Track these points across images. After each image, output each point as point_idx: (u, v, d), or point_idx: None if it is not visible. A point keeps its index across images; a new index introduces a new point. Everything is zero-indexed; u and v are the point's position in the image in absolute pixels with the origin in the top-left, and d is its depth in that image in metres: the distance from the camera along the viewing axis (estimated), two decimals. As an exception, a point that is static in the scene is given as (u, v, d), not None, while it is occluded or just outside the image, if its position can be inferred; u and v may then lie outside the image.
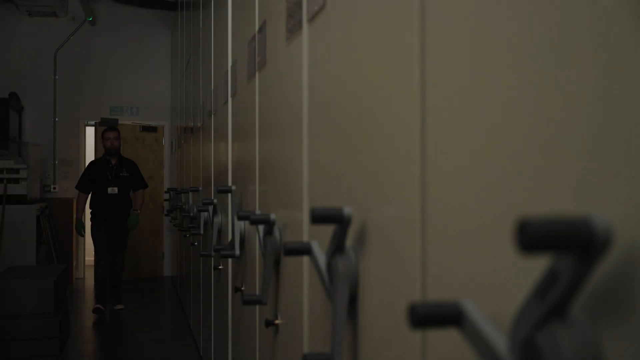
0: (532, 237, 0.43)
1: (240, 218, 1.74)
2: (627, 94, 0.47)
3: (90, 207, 6.29)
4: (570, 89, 0.54)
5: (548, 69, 0.57)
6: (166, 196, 7.52)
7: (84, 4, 7.78)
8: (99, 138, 7.21)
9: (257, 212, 1.95)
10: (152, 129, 8.45)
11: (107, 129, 6.40)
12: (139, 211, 6.52)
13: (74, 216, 6.51)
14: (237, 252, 2.31)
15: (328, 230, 1.06)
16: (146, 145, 8.42)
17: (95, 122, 8.08)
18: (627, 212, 0.47)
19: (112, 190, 6.21)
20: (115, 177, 6.25)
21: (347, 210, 0.99)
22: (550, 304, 0.48)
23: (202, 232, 3.51)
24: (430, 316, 0.60)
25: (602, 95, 0.50)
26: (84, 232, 6.31)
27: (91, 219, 6.28)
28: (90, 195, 6.34)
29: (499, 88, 0.65)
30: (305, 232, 1.37)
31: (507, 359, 0.55)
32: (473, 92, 0.70)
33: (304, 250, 1.19)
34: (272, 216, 1.63)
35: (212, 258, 3.32)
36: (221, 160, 2.98)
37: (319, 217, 0.99)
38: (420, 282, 0.82)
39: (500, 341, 0.56)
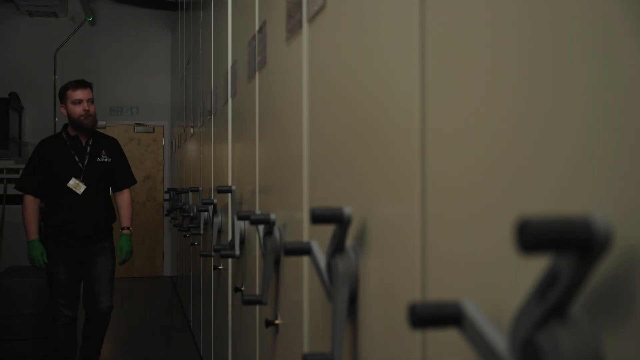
0: (532, 237, 0.43)
1: (240, 218, 1.74)
2: (627, 94, 0.47)
3: (42, 220, 3.80)
4: (570, 89, 0.54)
5: (548, 69, 0.57)
6: (166, 196, 7.52)
7: (84, 4, 7.78)
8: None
9: (257, 212, 1.95)
10: (148, 129, 8.43)
11: (74, 85, 3.69)
12: (130, 230, 3.94)
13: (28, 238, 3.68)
14: (237, 252, 2.31)
15: (328, 230, 1.06)
16: (142, 145, 8.41)
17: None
18: (627, 212, 0.47)
19: (77, 185, 3.63)
20: (91, 164, 3.71)
21: (347, 210, 0.99)
22: (550, 304, 0.48)
23: (202, 232, 3.51)
24: (430, 316, 0.60)
25: (601, 95, 0.50)
26: (46, 259, 3.65)
27: (46, 241, 3.72)
28: (42, 198, 3.75)
29: (499, 88, 0.65)
30: (305, 232, 1.37)
31: (507, 359, 0.55)
32: (473, 92, 0.70)
33: (304, 250, 1.18)
34: (272, 216, 1.63)
35: (212, 258, 3.32)
36: (221, 160, 2.98)
37: (319, 217, 0.99)
38: (420, 282, 0.82)
39: (500, 341, 0.56)
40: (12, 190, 6.51)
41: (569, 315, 0.49)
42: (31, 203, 3.67)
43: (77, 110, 3.65)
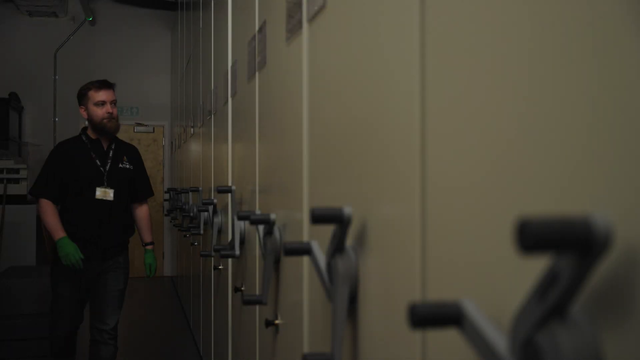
0: (532, 237, 0.43)
1: (240, 218, 1.74)
2: (627, 94, 0.47)
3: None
4: (570, 89, 0.54)
5: (548, 69, 0.57)
6: (166, 196, 7.52)
7: (84, 4, 7.78)
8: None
9: (257, 212, 1.95)
10: (148, 129, 8.43)
11: (96, 85, 3.43)
12: (154, 245, 3.79)
13: (49, 241, 3.42)
14: (237, 252, 2.31)
15: (328, 230, 1.06)
16: (142, 145, 8.41)
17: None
18: (627, 212, 0.47)
19: (105, 193, 3.35)
20: (113, 169, 3.42)
21: (347, 210, 0.99)
22: (550, 304, 0.48)
23: (202, 232, 3.51)
24: (430, 316, 0.60)
25: (601, 95, 0.50)
26: (82, 254, 3.27)
27: (54, 252, 3.35)
28: (58, 204, 3.38)
29: (499, 88, 0.65)
30: (305, 232, 1.37)
31: (507, 359, 0.55)
32: (473, 92, 0.70)
33: (304, 250, 1.18)
34: (272, 216, 1.63)
35: (212, 258, 3.32)
36: (221, 160, 2.98)
37: (319, 217, 0.99)
38: (420, 282, 0.82)
39: (500, 341, 0.56)
40: (12, 190, 6.51)
41: (569, 315, 0.49)
42: (48, 204, 3.31)
43: (100, 112, 3.37)
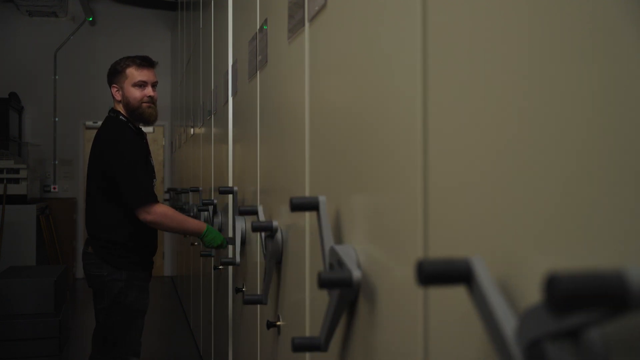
0: (562, 294, 0.39)
1: (241, 213, 1.74)
2: (628, 94, 0.46)
3: (126, 237, 2.74)
4: (571, 87, 0.53)
5: (551, 66, 0.56)
6: (166, 196, 7.51)
7: (84, 4, 7.77)
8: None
9: (258, 207, 1.93)
10: (148, 129, 8.42)
11: (138, 61, 2.81)
12: None
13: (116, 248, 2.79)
14: (238, 259, 2.28)
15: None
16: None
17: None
18: (627, 211, 0.46)
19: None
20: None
21: (322, 198, 1.09)
22: (567, 327, 0.46)
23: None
24: (438, 273, 0.57)
25: (603, 94, 0.49)
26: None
27: (129, 265, 2.75)
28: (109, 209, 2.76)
29: (501, 87, 0.64)
30: (307, 232, 1.36)
31: (511, 344, 0.52)
32: (475, 91, 0.69)
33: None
34: (275, 223, 1.61)
35: (212, 258, 3.31)
36: (221, 160, 2.96)
37: (297, 206, 1.09)
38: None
39: (507, 321, 0.54)
40: (12, 190, 6.50)
41: (584, 339, 0.46)
42: (166, 206, 2.73)
43: (139, 95, 2.78)
